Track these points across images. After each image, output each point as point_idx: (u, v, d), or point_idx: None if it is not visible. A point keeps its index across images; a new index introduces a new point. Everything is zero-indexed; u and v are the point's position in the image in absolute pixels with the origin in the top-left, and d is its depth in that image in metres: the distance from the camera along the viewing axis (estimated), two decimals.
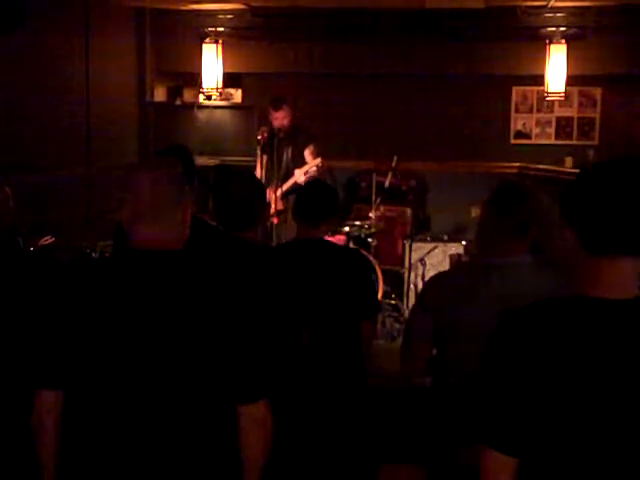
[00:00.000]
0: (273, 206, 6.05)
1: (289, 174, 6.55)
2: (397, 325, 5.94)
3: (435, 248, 6.36)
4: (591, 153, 7.67)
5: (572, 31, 7.52)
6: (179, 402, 1.97)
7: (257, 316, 2.09)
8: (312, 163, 6.45)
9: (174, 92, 8.46)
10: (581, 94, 7.96)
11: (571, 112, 8.00)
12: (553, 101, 7.91)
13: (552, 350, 1.57)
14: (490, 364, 1.65)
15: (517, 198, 2.64)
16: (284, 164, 6.57)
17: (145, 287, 1.98)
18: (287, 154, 6.58)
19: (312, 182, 3.81)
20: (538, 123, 8.08)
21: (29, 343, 2.18)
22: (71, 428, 2.07)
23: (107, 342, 1.97)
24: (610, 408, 1.56)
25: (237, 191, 3.13)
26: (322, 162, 6.43)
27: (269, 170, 6.51)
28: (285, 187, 6.47)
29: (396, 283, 6.44)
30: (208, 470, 2.02)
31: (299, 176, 6.47)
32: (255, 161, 6.72)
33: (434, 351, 2.79)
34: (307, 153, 6.55)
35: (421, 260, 6.28)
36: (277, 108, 6.49)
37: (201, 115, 8.22)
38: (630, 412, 1.56)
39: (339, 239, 6.01)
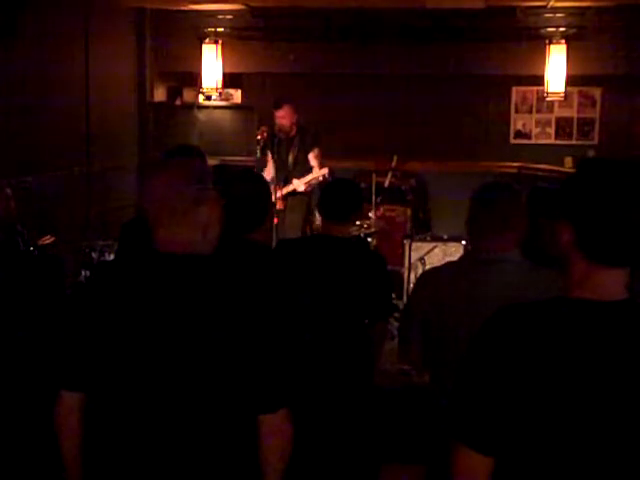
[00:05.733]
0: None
1: (291, 175, 6.56)
2: (397, 325, 5.94)
3: (435, 248, 6.35)
4: (591, 153, 7.68)
5: (572, 31, 7.53)
6: (200, 409, 1.95)
7: (277, 324, 2.05)
8: (317, 174, 6.42)
9: (174, 92, 8.46)
10: (581, 94, 7.96)
11: (571, 112, 8.01)
12: (553, 101, 7.92)
13: (533, 351, 1.56)
14: (471, 364, 1.65)
15: (497, 193, 2.71)
16: (288, 165, 6.57)
17: (167, 292, 1.95)
18: (291, 155, 6.58)
19: (338, 181, 3.80)
20: (538, 123, 8.09)
21: (51, 345, 2.17)
22: (94, 431, 2.07)
23: (129, 345, 1.95)
24: (591, 409, 1.55)
25: (241, 191, 3.10)
26: (328, 173, 6.40)
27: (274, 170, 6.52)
28: (285, 191, 6.47)
29: (396, 283, 6.43)
30: (228, 477, 2.00)
31: (298, 185, 6.50)
32: (255, 161, 6.73)
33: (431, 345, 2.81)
34: (311, 157, 6.54)
35: (421, 260, 6.27)
36: (277, 107, 6.50)
37: (201, 115, 8.22)
38: (612, 413, 1.55)
39: None
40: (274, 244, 5.81)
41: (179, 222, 1.96)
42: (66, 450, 2.09)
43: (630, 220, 1.55)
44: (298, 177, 6.55)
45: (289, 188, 6.52)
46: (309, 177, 6.46)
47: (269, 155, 6.51)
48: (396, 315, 6.11)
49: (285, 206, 6.48)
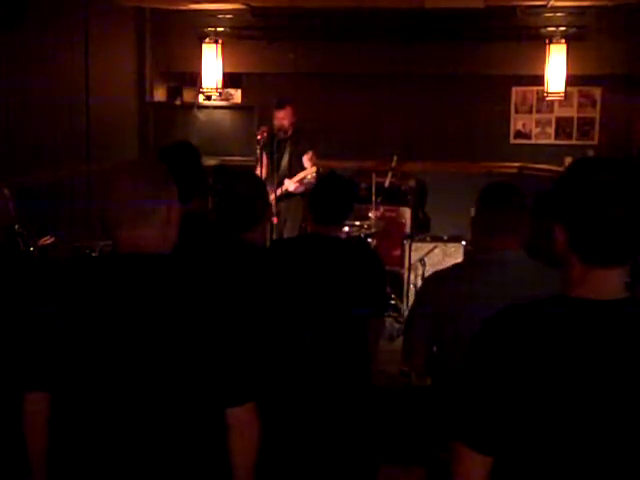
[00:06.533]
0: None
1: (284, 176, 6.57)
2: (397, 325, 5.94)
3: (435, 248, 6.35)
4: (591, 153, 7.67)
5: (572, 31, 7.54)
6: (166, 404, 1.96)
7: (243, 319, 2.07)
8: (305, 172, 6.47)
9: (174, 92, 8.45)
10: (581, 94, 7.95)
11: (571, 112, 8.00)
12: (553, 101, 7.91)
13: (532, 351, 1.57)
14: (471, 363, 1.65)
15: (501, 194, 2.72)
16: (282, 166, 6.58)
17: (129, 290, 1.96)
18: (286, 157, 6.59)
19: (328, 178, 3.69)
20: (538, 123, 8.08)
21: (16, 345, 2.17)
22: (60, 429, 2.07)
23: (93, 345, 1.96)
24: (590, 408, 1.55)
25: (240, 191, 3.11)
26: (316, 171, 6.43)
27: (269, 170, 6.52)
28: (278, 192, 6.47)
29: (396, 283, 6.44)
30: (196, 472, 2.01)
31: (289, 185, 6.53)
32: (255, 161, 6.73)
33: (434, 349, 2.81)
34: (305, 159, 6.57)
35: (421, 260, 6.27)
36: (279, 107, 6.52)
37: (201, 115, 8.22)
38: (611, 412, 1.55)
39: None
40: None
41: (143, 223, 1.99)
42: (32, 451, 2.10)
43: (619, 219, 1.54)
44: (290, 178, 6.60)
45: (282, 189, 6.54)
46: (299, 176, 6.50)
47: (264, 156, 6.52)
48: (395, 315, 6.14)
49: (279, 208, 6.48)
